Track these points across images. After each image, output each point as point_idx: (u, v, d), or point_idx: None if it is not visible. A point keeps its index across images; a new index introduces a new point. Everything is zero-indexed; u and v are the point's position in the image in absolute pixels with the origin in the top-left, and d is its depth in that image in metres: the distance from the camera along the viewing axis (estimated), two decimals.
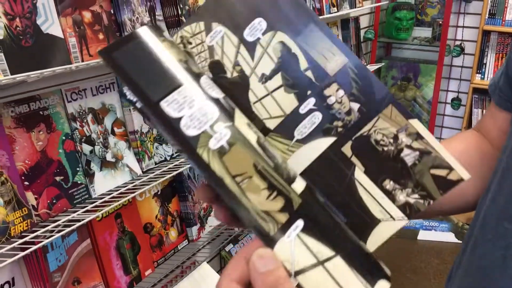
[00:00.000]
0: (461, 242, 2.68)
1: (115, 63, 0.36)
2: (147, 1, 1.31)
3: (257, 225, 0.35)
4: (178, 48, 0.39)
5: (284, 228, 0.36)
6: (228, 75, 0.42)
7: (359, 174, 0.42)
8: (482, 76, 2.80)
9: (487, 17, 2.69)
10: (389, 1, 2.98)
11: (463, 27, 2.87)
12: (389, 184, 0.42)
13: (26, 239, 1.04)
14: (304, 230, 0.37)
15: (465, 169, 0.42)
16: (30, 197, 1.10)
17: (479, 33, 2.72)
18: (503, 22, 2.67)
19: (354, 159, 0.42)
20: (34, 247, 1.04)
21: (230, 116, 0.37)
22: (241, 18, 0.42)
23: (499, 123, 0.65)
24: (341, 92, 0.42)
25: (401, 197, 0.42)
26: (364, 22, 2.87)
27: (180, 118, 0.35)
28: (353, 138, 0.42)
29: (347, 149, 0.42)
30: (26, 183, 1.09)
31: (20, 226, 1.07)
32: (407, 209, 0.42)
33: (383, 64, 3.02)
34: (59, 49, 1.09)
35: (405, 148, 0.43)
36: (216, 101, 0.37)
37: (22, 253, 1.02)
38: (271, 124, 0.42)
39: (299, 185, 0.38)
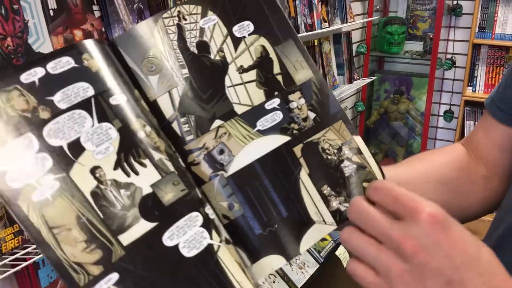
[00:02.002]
0: None
1: None
2: (138, 19, 1.33)
3: (67, 274, 0.36)
4: (25, 97, 0.38)
5: (95, 280, 0.36)
6: (212, 56, 0.46)
7: (304, 175, 0.46)
8: (474, 89, 2.83)
9: (477, 31, 2.72)
10: (381, 16, 3.03)
11: (454, 40, 2.91)
12: (326, 190, 0.47)
13: (17, 255, 1.04)
14: (117, 284, 0.37)
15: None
16: None
17: (470, 47, 2.75)
18: (493, 36, 2.70)
19: (302, 160, 0.46)
20: (25, 264, 1.04)
21: (66, 165, 0.37)
22: (234, 16, 0.47)
23: (495, 137, 0.65)
24: (302, 101, 0.47)
25: (335, 203, 0.46)
26: (356, 36, 2.91)
27: (5, 172, 0.36)
28: (304, 142, 0.47)
29: (297, 150, 0.47)
30: None
31: (11, 243, 1.07)
32: (337, 216, 0.46)
33: (375, 77, 3.05)
34: None
35: (346, 160, 0.47)
36: (55, 150, 0.38)
37: (13, 270, 1.03)
38: (239, 110, 0.46)
39: (130, 235, 0.38)
